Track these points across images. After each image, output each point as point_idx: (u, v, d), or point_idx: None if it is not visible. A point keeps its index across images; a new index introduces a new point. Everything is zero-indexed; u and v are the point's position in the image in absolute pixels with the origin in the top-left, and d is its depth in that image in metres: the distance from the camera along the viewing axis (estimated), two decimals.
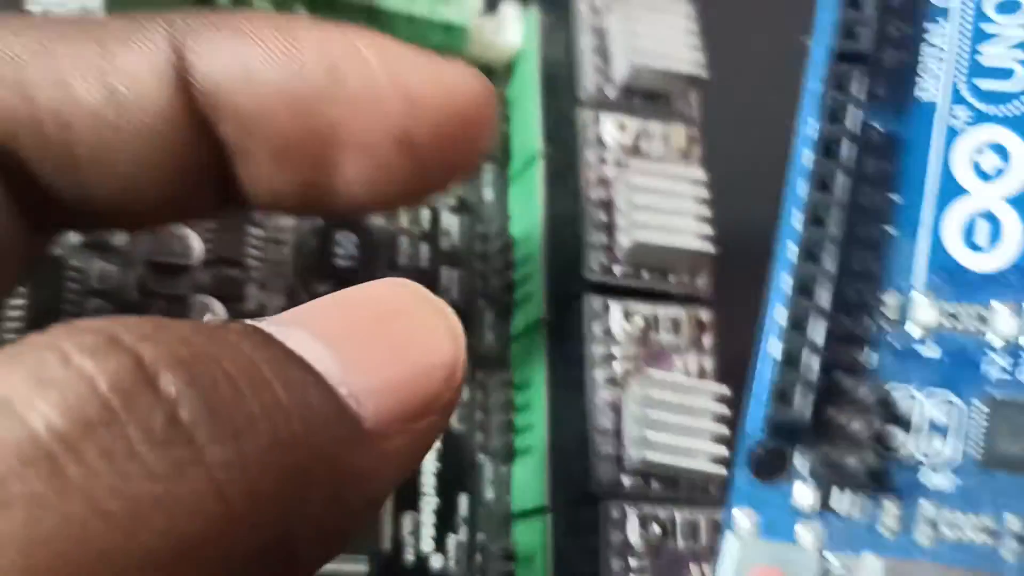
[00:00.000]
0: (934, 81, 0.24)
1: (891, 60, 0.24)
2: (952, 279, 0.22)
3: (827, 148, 0.23)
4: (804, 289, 0.22)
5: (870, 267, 0.23)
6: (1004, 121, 0.23)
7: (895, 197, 0.23)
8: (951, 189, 0.23)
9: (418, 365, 0.20)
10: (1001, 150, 0.23)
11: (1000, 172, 0.23)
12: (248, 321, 0.20)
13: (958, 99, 0.23)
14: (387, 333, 0.21)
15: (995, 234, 0.22)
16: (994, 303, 0.22)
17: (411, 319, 0.21)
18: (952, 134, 0.23)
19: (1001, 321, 0.22)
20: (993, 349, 0.22)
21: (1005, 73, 0.23)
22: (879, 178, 0.23)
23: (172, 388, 0.17)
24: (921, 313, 0.22)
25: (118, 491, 0.16)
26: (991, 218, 0.23)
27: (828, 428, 0.22)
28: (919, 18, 0.24)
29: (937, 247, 0.23)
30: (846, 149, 0.23)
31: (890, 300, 0.23)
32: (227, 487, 0.17)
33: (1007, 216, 0.22)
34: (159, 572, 0.16)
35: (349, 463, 0.19)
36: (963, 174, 0.23)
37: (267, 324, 0.20)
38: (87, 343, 0.17)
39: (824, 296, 0.22)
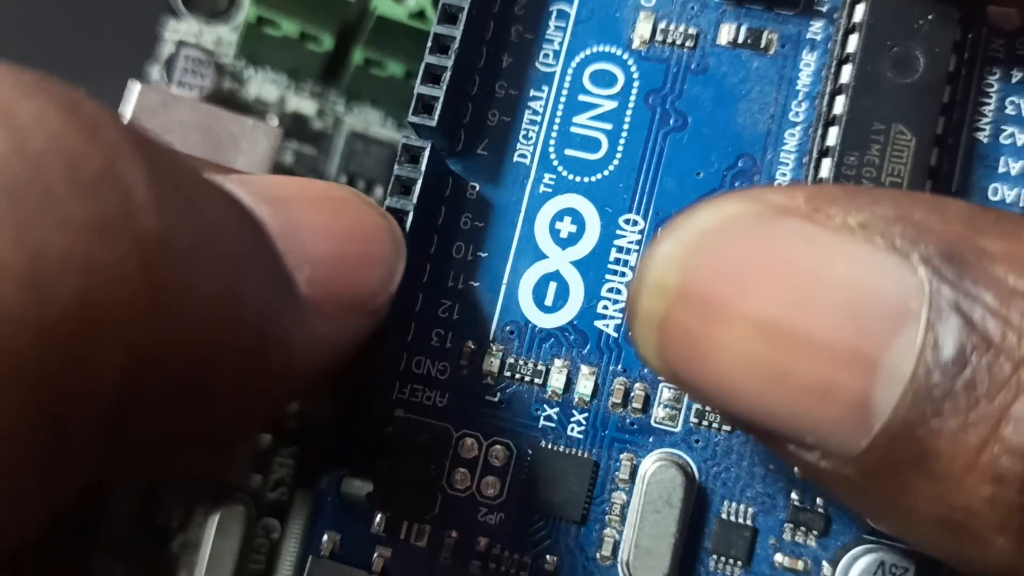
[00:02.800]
0: (530, 146, 0.26)
1: (494, 120, 0.26)
2: (520, 333, 0.25)
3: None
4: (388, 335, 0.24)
5: (453, 315, 0.25)
6: (584, 189, 0.25)
7: (483, 254, 0.25)
8: (531, 250, 0.25)
9: (359, 253, 0.21)
10: (577, 217, 0.25)
11: (573, 237, 0.25)
12: (208, 172, 0.19)
13: (547, 166, 0.25)
14: (335, 215, 0.21)
15: (561, 295, 0.25)
16: (555, 360, 0.24)
17: (359, 212, 0.21)
18: (539, 199, 0.25)
19: (555, 376, 0.24)
20: (547, 401, 0.24)
21: (592, 143, 0.25)
22: (471, 235, 0.25)
23: (113, 137, 0.15)
24: (488, 362, 0.24)
25: (21, 241, 0.14)
26: (560, 280, 0.25)
27: (393, 466, 0.24)
28: (526, 82, 0.26)
29: (511, 302, 0.25)
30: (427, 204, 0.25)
31: (467, 347, 0.25)
32: (157, 266, 0.15)
33: (573, 279, 0.25)
34: (56, 353, 0.14)
35: (276, 319, 0.18)
36: (542, 238, 0.25)
37: (220, 176, 0.19)
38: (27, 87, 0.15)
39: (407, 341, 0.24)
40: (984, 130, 0.25)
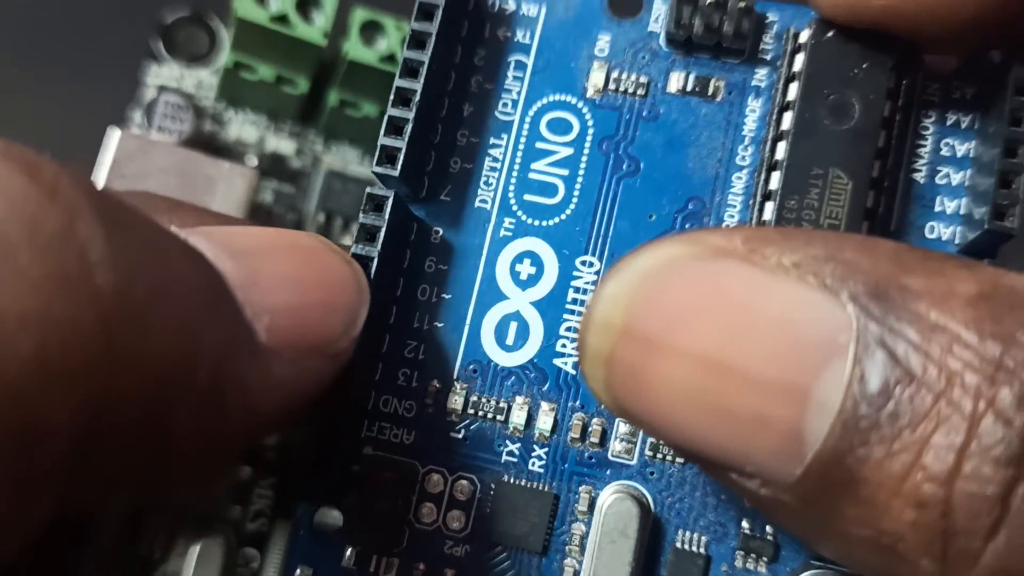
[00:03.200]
0: (490, 192, 0.27)
1: (456, 168, 0.27)
2: (482, 372, 0.26)
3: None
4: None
5: (419, 356, 0.26)
6: (542, 232, 0.26)
7: (450, 296, 0.26)
8: (492, 292, 0.26)
9: (320, 301, 0.22)
10: (536, 259, 0.26)
11: (532, 279, 0.26)
12: (175, 227, 0.20)
13: (507, 210, 0.27)
14: (298, 265, 0.22)
15: (521, 334, 0.26)
16: (517, 397, 0.26)
17: (323, 260, 0.22)
18: (499, 243, 0.26)
19: (516, 413, 0.25)
20: (509, 437, 0.25)
21: (549, 189, 0.27)
22: (434, 278, 0.26)
23: (72, 197, 0.16)
24: (453, 400, 0.26)
25: None
26: (521, 320, 0.26)
27: (362, 502, 0.25)
28: (485, 130, 0.27)
29: (474, 342, 0.26)
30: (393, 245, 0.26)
31: (432, 386, 0.26)
32: (113, 319, 0.16)
33: (533, 319, 0.26)
34: (14, 406, 0.15)
35: (234, 364, 0.19)
36: (503, 280, 0.26)
37: (180, 226, 0.20)
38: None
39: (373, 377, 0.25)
40: (921, 171, 0.26)
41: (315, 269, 0.22)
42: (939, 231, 0.26)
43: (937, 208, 0.26)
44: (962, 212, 0.26)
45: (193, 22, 0.42)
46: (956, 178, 0.26)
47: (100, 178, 0.36)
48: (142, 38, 0.41)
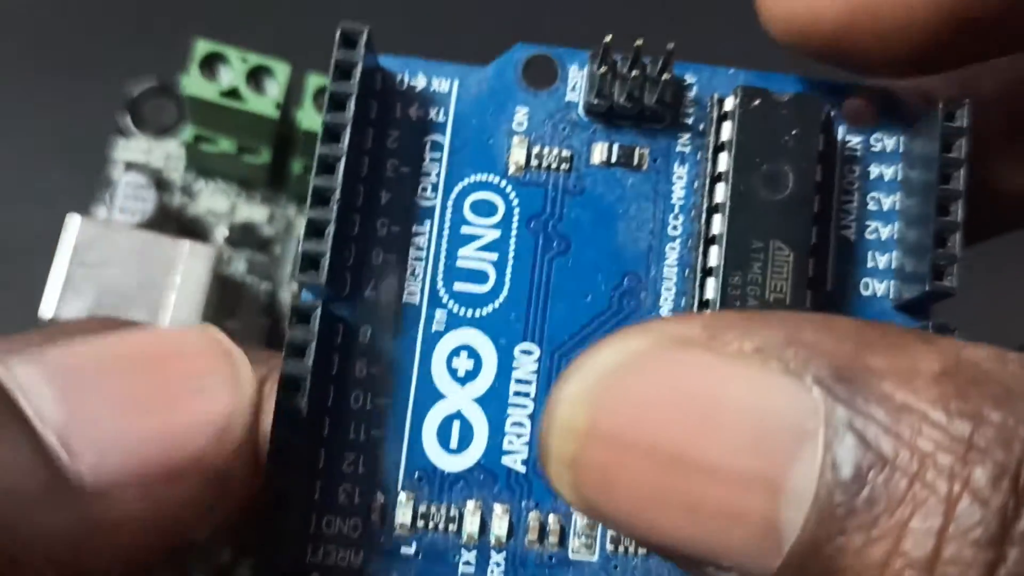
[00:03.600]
0: (417, 283, 0.25)
1: (379, 260, 0.25)
2: (429, 479, 0.24)
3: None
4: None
5: (359, 469, 0.24)
6: (477, 323, 0.25)
7: (385, 401, 0.25)
8: (430, 392, 0.25)
9: (175, 417, 0.19)
10: (473, 352, 0.25)
11: (471, 374, 0.25)
12: None
13: (437, 302, 0.25)
14: (146, 377, 0.19)
15: (465, 435, 0.24)
16: (468, 502, 0.24)
17: (185, 362, 0.20)
18: (433, 338, 0.25)
19: (469, 520, 0.24)
20: (464, 546, 0.24)
21: (480, 275, 0.25)
22: (367, 383, 0.25)
23: None
24: (400, 514, 0.24)
25: None
26: (463, 420, 0.25)
27: None
28: (407, 217, 0.26)
29: (416, 449, 0.24)
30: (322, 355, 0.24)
31: (376, 501, 0.24)
32: None
33: (476, 417, 0.25)
34: None
35: (38, 521, 0.17)
36: (440, 377, 0.25)
37: (4, 351, 0.18)
38: None
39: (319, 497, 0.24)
40: (850, 227, 0.26)
41: (177, 376, 0.20)
42: (874, 287, 0.26)
43: (870, 264, 0.26)
44: (894, 266, 0.26)
45: (160, 93, 0.41)
46: (885, 232, 0.26)
47: (61, 267, 0.36)
48: (108, 113, 0.40)
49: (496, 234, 0.25)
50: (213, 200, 0.41)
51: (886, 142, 0.26)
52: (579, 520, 0.24)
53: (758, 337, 0.18)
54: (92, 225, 0.36)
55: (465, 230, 0.25)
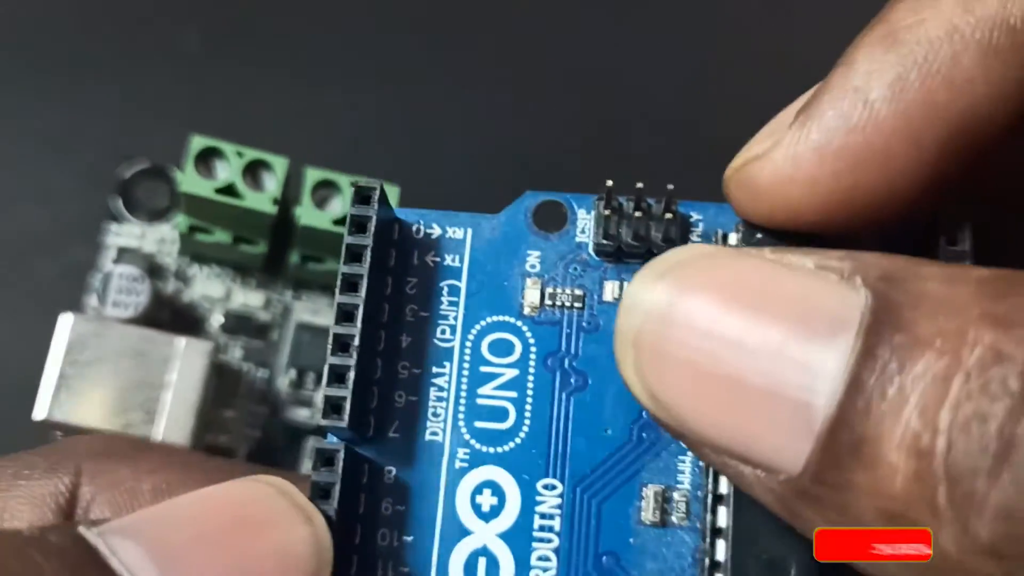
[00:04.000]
0: (440, 423, 0.26)
1: (401, 401, 0.26)
2: None
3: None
4: None
5: None
6: (498, 460, 0.26)
7: (408, 538, 0.25)
8: (455, 529, 0.25)
9: None
10: (496, 488, 0.25)
11: (495, 510, 0.25)
12: (81, 527, 0.18)
13: (460, 440, 0.26)
14: (234, 545, 0.20)
15: (491, 571, 0.25)
16: None
17: (266, 528, 0.21)
18: (456, 475, 0.26)
19: None
20: None
21: (500, 413, 0.26)
22: (393, 520, 0.25)
23: None
24: None
25: None
26: (489, 555, 0.25)
27: None
28: (427, 359, 0.26)
29: None
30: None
31: None
32: None
33: (502, 552, 0.25)
34: None
35: None
36: (465, 514, 0.25)
37: (100, 531, 0.19)
38: None
39: None
40: None
41: (261, 541, 0.21)
42: None
43: None
44: None
45: (152, 175, 0.41)
46: None
47: (55, 367, 0.35)
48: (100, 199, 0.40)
49: (514, 372, 0.26)
50: (208, 285, 0.40)
51: None
52: None
53: (818, 255, 0.21)
54: (85, 322, 0.36)
55: (484, 369, 0.26)
